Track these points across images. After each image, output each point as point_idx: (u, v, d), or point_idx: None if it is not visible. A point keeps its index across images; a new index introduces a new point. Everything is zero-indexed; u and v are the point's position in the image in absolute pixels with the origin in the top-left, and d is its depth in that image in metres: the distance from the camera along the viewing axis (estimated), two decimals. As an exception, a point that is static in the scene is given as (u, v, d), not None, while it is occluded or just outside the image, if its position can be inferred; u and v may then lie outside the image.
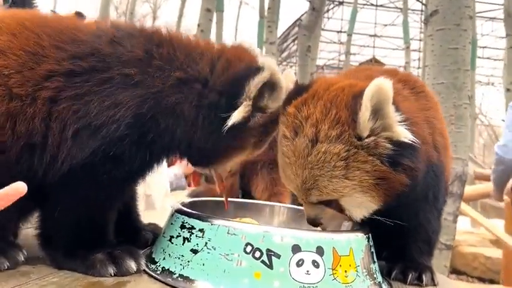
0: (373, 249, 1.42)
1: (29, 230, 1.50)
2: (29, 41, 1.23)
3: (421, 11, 18.67)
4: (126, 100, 1.26)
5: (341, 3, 21.41)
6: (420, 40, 19.58)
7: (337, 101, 1.29)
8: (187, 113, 1.33)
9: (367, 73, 1.56)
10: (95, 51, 1.28)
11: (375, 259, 1.43)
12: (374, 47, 23.69)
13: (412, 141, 1.27)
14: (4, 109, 1.18)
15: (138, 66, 1.29)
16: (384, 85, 1.23)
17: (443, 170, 1.54)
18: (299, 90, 1.41)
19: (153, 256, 1.42)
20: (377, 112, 1.26)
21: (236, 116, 1.33)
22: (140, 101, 1.27)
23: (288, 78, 1.47)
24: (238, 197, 3.00)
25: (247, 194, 3.19)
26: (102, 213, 1.37)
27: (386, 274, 1.53)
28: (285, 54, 22.98)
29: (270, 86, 1.37)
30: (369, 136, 1.27)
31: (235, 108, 1.34)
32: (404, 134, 1.27)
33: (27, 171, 1.24)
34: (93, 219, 1.35)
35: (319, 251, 1.25)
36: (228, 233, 1.27)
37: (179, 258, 1.31)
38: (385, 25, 22.64)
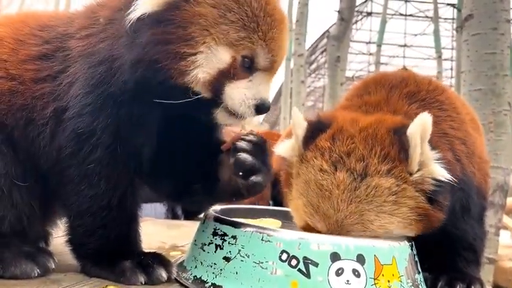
0: (417, 259, 1.34)
1: (60, 238, 1.49)
2: (17, 30, 1.42)
3: (453, 19, 18.29)
4: (79, 74, 1.29)
5: (369, 14, 21.27)
6: (452, 49, 19.14)
7: (378, 137, 1.32)
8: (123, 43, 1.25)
9: (378, 98, 1.54)
10: (57, 34, 1.38)
11: (419, 269, 1.34)
12: (404, 57, 23.34)
13: (448, 180, 1.27)
14: (7, 88, 1.34)
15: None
16: (426, 123, 1.25)
17: (471, 179, 1.47)
18: (319, 126, 1.41)
19: (185, 264, 1.38)
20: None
21: (142, 6, 1.19)
22: (89, 69, 1.28)
23: (297, 114, 1.42)
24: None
25: (278, 204, 3.14)
26: (113, 212, 1.31)
27: (431, 286, 1.43)
28: (313, 66, 22.92)
29: None
30: (417, 171, 1.29)
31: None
32: (441, 173, 1.27)
33: (32, 154, 1.32)
34: (112, 224, 1.31)
35: (360, 259, 1.18)
36: (262, 239, 1.21)
37: (211, 267, 1.26)
38: (415, 35, 22.31)
